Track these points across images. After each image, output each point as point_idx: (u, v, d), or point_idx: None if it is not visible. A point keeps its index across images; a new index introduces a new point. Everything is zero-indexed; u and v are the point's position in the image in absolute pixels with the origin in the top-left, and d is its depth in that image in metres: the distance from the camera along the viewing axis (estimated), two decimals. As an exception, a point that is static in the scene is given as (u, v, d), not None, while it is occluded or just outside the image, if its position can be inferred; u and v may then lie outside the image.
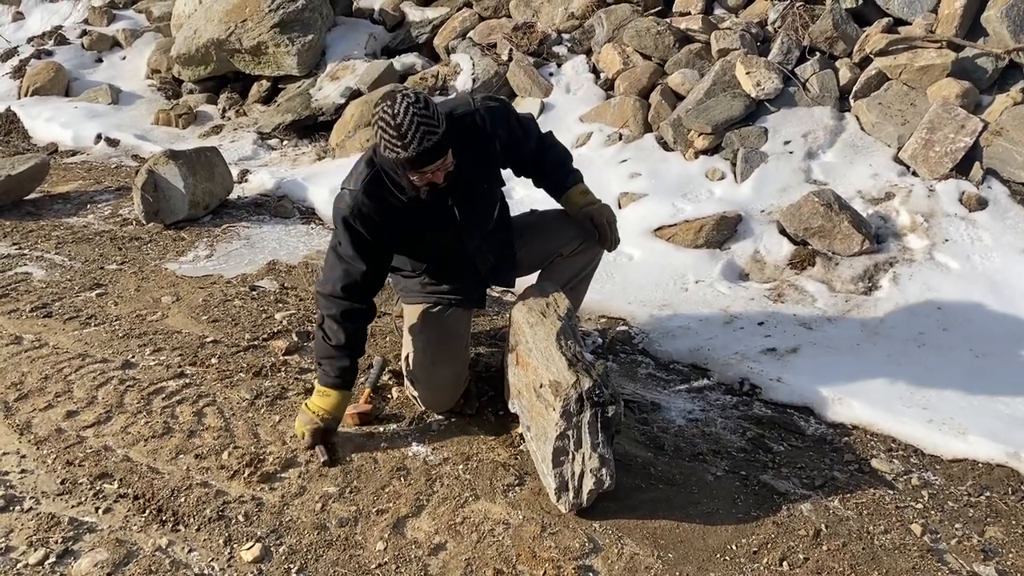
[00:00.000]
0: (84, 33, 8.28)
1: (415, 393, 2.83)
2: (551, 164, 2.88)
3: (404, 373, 2.88)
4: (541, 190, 2.97)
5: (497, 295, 3.78)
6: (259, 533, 2.25)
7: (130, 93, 7.41)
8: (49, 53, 8.00)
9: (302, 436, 2.61)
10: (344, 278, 2.53)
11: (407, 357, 2.82)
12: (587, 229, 2.87)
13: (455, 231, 2.61)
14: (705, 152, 4.59)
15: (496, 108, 2.65)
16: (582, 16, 5.86)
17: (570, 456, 2.28)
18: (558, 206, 2.94)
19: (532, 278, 3.00)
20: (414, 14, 7.11)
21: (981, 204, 3.86)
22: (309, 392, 2.94)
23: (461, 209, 2.56)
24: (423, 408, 2.82)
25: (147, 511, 2.32)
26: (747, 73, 4.60)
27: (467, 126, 2.51)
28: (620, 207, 4.38)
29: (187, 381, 3.01)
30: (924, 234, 3.79)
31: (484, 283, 2.87)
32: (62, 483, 2.44)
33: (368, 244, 2.52)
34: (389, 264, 2.67)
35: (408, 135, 2.22)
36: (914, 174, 4.10)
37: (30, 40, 8.48)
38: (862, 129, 4.40)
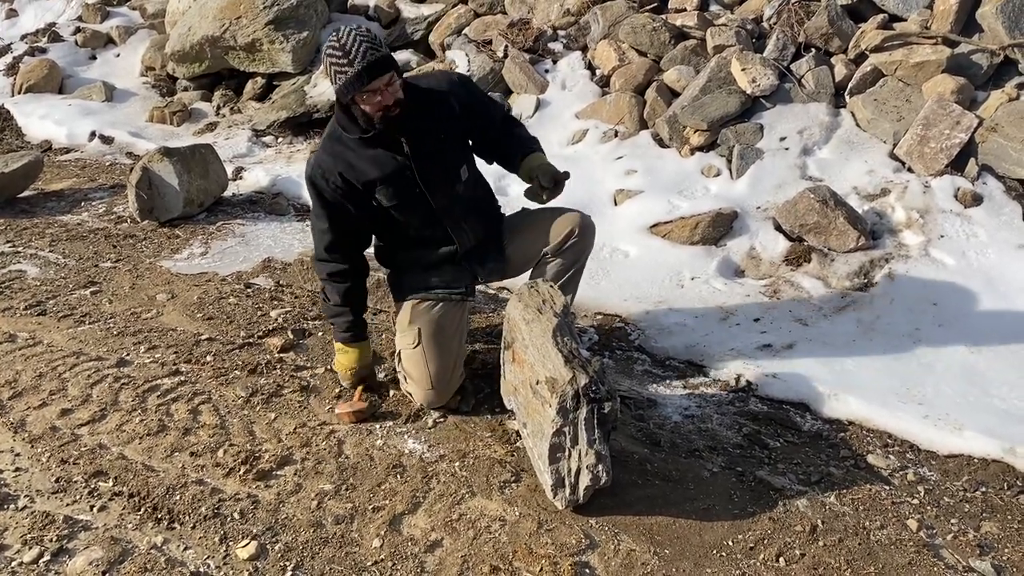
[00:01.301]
0: (78, 30, 8.26)
1: (409, 390, 2.84)
2: (518, 136, 2.95)
3: (397, 369, 2.89)
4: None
5: (493, 292, 3.78)
6: (255, 531, 2.25)
7: (124, 90, 7.39)
8: (43, 50, 7.98)
9: (350, 387, 2.91)
10: (320, 240, 2.75)
11: (399, 353, 2.85)
12: (572, 226, 2.91)
13: (416, 189, 2.69)
14: (701, 149, 4.58)
15: (457, 75, 2.95)
16: (578, 12, 5.86)
17: (566, 452, 2.28)
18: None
19: (524, 278, 3.01)
20: (409, 11, 7.10)
21: (976, 200, 3.86)
22: (305, 389, 2.94)
23: (416, 157, 2.65)
24: (419, 405, 2.81)
25: (142, 509, 2.31)
26: (743, 70, 4.60)
27: (424, 85, 2.72)
28: (616, 204, 4.38)
29: (182, 379, 3.00)
30: (919, 230, 3.80)
31: (471, 273, 2.90)
32: (57, 481, 2.43)
33: (329, 201, 2.67)
34: (356, 225, 2.76)
35: (352, 51, 2.41)
36: (909, 170, 4.10)
37: (23, 37, 8.45)
38: (857, 125, 4.41)
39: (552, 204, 2.88)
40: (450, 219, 2.80)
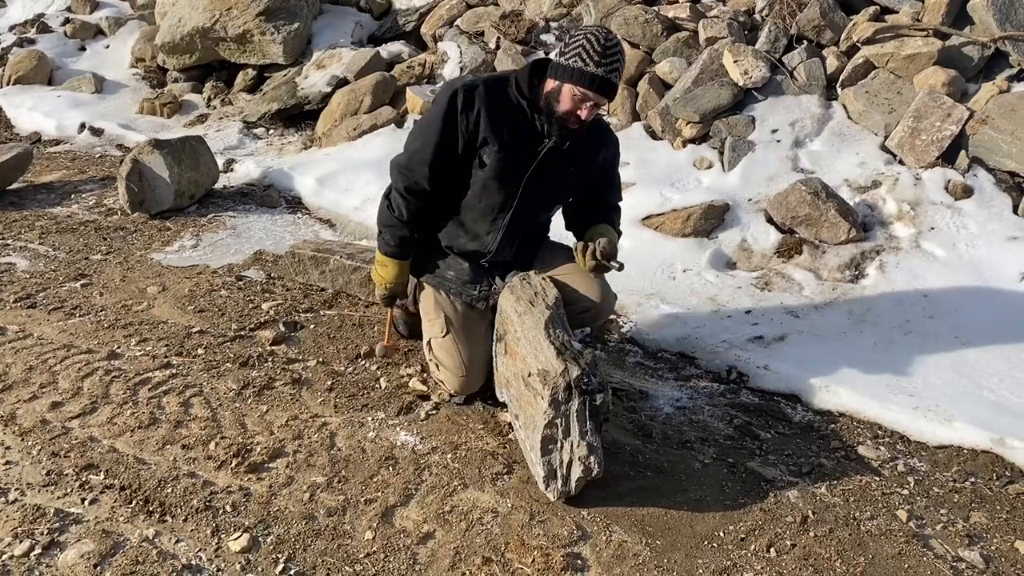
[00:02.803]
0: (67, 21, 8.19)
1: (441, 377, 2.81)
2: (608, 219, 2.87)
3: (428, 358, 2.86)
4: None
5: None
6: (247, 523, 2.24)
7: (114, 82, 7.34)
8: (31, 41, 7.91)
9: (381, 301, 2.95)
10: (419, 151, 2.64)
11: (428, 343, 2.82)
12: (591, 304, 2.79)
13: (517, 180, 2.65)
14: (693, 141, 4.59)
15: (617, 139, 2.91)
16: (570, 4, 5.84)
17: (558, 444, 2.28)
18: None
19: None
20: (401, 2, 7.07)
21: (967, 192, 3.88)
22: (297, 382, 2.94)
23: (543, 161, 2.62)
24: (451, 393, 2.79)
25: (134, 502, 2.31)
26: (735, 62, 4.60)
27: (597, 123, 2.71)
28: (608, 196, 4.38)
29: (173, 371, 2.99)
30: (910, 222, 3.81)
31: (490, 281, 2.86)
32: (47, 474, 2.42)
33: (453, 120, 2.58)
34: (450, 160, 2.65)
35: (609, 56, 2.40)
36: (900, 162, 4.12)
37: (12, 28, 8.38)
38: (849, 118, 4.42)
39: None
40: (511, 227, 2.74)
